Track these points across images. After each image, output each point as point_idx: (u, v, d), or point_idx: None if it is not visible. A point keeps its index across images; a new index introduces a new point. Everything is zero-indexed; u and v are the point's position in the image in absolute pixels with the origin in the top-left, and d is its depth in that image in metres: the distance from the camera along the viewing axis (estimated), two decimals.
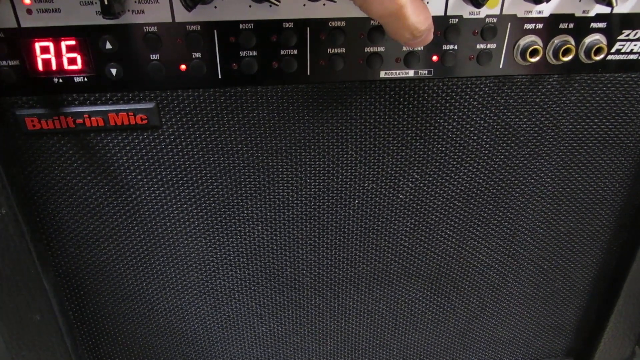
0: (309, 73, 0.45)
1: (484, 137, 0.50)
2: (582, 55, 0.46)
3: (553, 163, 0.53)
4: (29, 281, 0.49)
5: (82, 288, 0.53)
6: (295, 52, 0.43)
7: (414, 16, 0.35)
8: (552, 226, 0.58)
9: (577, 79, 0.49)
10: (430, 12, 0.38)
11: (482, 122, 0.49)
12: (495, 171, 0.53)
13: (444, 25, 0.44)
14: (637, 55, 0.48)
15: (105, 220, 0.50)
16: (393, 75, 0.46)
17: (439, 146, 0.50)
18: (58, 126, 0.43)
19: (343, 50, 0.44)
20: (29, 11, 0.39)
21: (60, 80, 0.42)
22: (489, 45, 0.45)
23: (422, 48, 0.44)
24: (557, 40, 0.45)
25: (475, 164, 0.52)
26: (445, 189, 0.53)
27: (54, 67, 0.41)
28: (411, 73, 0.46)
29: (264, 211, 0.52)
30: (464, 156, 0.51)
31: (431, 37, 0.40)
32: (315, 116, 0.47)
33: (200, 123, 0.46)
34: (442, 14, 0.43)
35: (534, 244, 0.58)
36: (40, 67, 0.41)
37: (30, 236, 0.47)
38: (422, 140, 0.50)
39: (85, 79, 0.42)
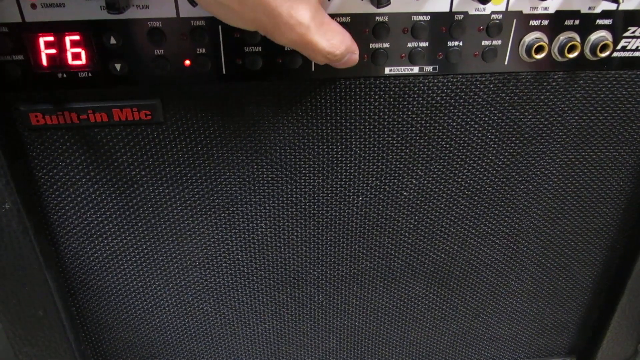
0: (313, 69, 0.44)
1: (488, 134, 0.50)
2: (587, 52, 0.46)
3: (557, 160, 0.53)
4: (32, 277, 0.49)
5: (85, 284, 0.53)
6: None
7: (324, 41, 0.33)
8: (556, 224, 0.57)
9: (582, 75, 0.48)
10: (347, 34, 0.36)
11: (486, 119, 0.49)
12: (499, 168, 0.52)
13: (449, 21, 0.43)
14: None
15: (109, 215, 0.50)
16: (398, 72, 0.46)
17: (443, 143, 0.50)
18: (62, 121, 0.43)
19: None
20: (34, 5, 0.39)
21: (65, 76, 0.42)
22: (494, 42, 0.45)
23: (426, 44, 0.44)
24: (562, 37, 0.45)
25: (479, 161, 0.52)
26: (449, 186, 0.53)
27: (58, 62, 0.41)
28: (416, 69, 0.46)
29: (267, 207, 0.51)
30: (468, 153, 0.51)
31: (356, 58, 0.38)
32: (319, 112, 0.47)
33: (204, 119, 0.46)
34: (447, 10, 0.43)
35: (537, 241, 0.58)
36: (44, 62, 0.41)
37: (33, 231, 0.47)
38: (426, 137, 0.50)
39: (90, 74, 0.42)
